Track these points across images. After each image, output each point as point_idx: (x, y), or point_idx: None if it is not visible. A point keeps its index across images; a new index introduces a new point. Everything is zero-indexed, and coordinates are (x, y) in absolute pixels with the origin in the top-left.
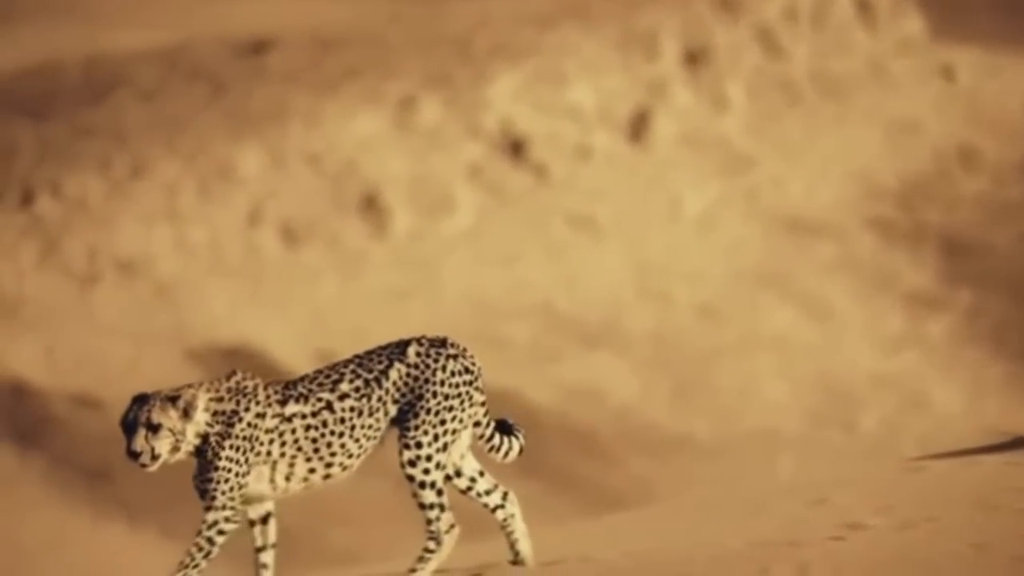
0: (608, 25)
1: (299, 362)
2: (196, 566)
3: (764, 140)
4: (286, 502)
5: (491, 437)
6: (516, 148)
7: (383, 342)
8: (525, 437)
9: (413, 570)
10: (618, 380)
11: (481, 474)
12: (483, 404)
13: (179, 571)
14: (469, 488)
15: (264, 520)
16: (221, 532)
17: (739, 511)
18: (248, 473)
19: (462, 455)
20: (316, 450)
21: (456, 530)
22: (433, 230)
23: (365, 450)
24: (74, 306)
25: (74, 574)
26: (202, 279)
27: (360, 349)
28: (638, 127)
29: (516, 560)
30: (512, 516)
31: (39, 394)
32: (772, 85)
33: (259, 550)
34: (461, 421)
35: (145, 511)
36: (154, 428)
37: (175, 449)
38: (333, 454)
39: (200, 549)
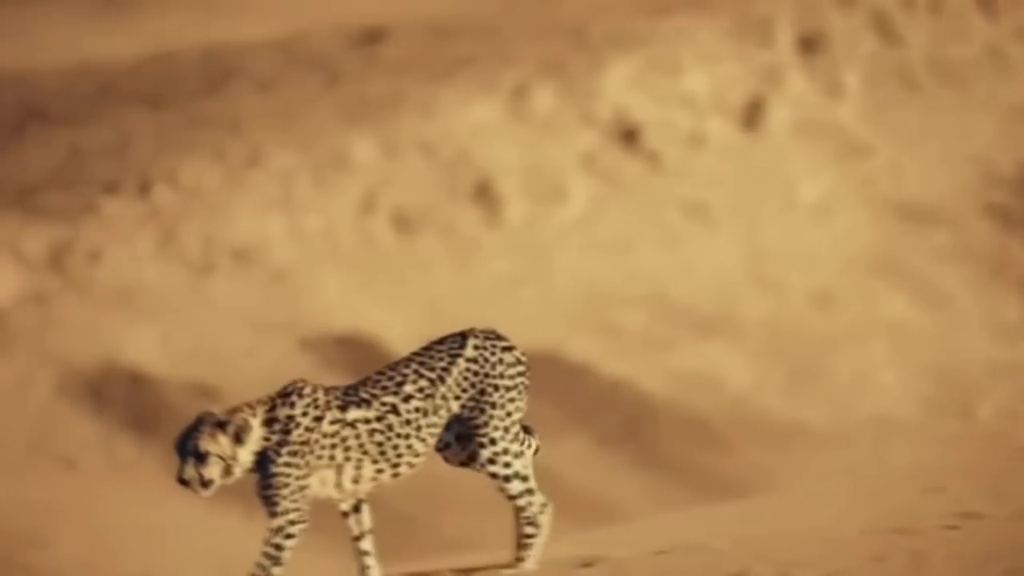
0: (723, 12)
1: (413, 349)
2: (267, 574)
3: (880, 127)
4: (398, 489)
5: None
6: (629, 136)
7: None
8: (540, 438)
9: (520, 559)
10: (732, 368)
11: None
12: None
13: None
14: (351, 510)
15: (356, 509)
16: (288, 536)
17: (853, 499)
18: (308, 476)
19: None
20: (383, 453)
21: (550, 508)
22: (546, 218)
23: (430, 447)
24: (190, 295)
25: (193, 560)
26: (316, 267)
27: None
28: (752, 114)
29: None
30: (539, 528)
31: (156, 382)
32: (888, 72)
33: (356, 539)
34: (520, 410)
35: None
36: (201, 456)
37: (228, 473)
38: (400, 455)
39: (269, 557)
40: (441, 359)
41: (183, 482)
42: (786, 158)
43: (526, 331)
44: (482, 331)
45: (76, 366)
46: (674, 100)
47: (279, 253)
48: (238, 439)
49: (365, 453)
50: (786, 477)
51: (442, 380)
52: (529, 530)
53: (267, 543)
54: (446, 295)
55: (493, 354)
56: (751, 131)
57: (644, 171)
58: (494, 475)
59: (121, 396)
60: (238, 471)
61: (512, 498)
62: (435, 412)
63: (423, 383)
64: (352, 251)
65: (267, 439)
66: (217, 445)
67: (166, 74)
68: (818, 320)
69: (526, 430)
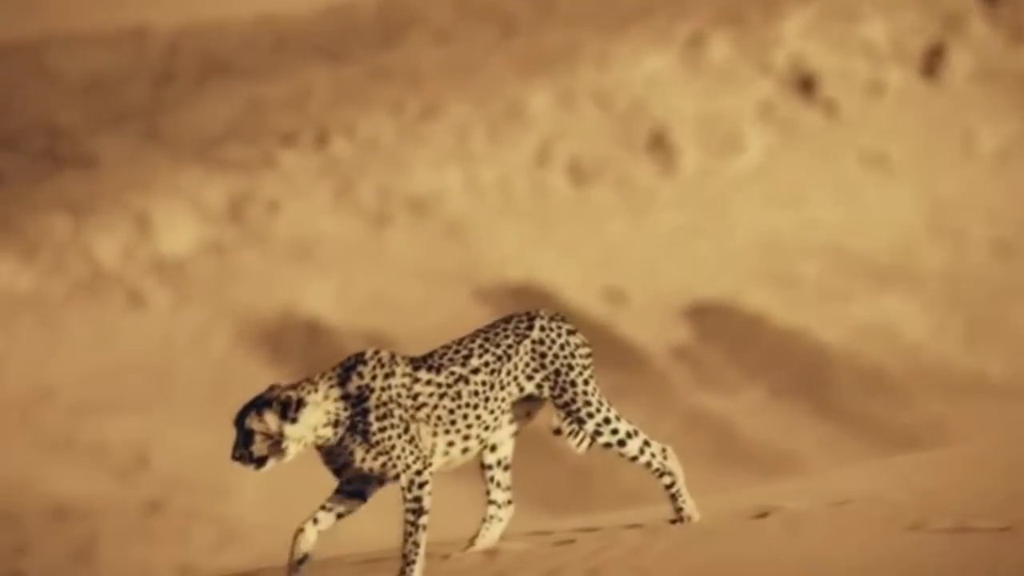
0: None
1: (587, 300)
2: (417, 527)
3: None
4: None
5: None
6: (806, 85)
7: (668, 282)
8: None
9: (679, 510)
10: (910, 319)
11: (506, 468)
12: None
13: (405, 543)
14: (489, 468)
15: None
16: (421, 485)
17: None
18: (407, 425)
19: (509, 436)
20: (453, 422)
21: (670, 450)
22: (721, 169)
23: (499, 423)
24: (366, 246)
25: (371, 510)
26: (491, 219)
27: (649, 288)
28: (932, 62)
29: (465, 546)
30: (499, 521)
31: (332, 332)
32: None
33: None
34: (592, 385)
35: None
36: (247, 434)
37: (280, 450)
38: (469, 426)
39: (414, 512)
40: (507, 337)
41: (235, 459)
42: (966, 106)
43: (701, 283)
44: (548, 313)
45: (254, 316)
46: (852, 48)
47: (454, 205)
48: (285, 416)
49: (439, 419)
50: (963, 429)
51: (508, 358)
52: (667, 480)
53: (406, 501)
54: (620, 246)
55: (560, 336)
56: (931, 79)
57: (821, 120)
58: (607, 444)
59: (298, 346)
60: (292, 447)
61: (634, 459)
62: (502, 388)
63: (489, 358)
64: (527, 202)
65: (345, 412)
66: (262, 423)
67: (344, 26)
68: (997, 270)
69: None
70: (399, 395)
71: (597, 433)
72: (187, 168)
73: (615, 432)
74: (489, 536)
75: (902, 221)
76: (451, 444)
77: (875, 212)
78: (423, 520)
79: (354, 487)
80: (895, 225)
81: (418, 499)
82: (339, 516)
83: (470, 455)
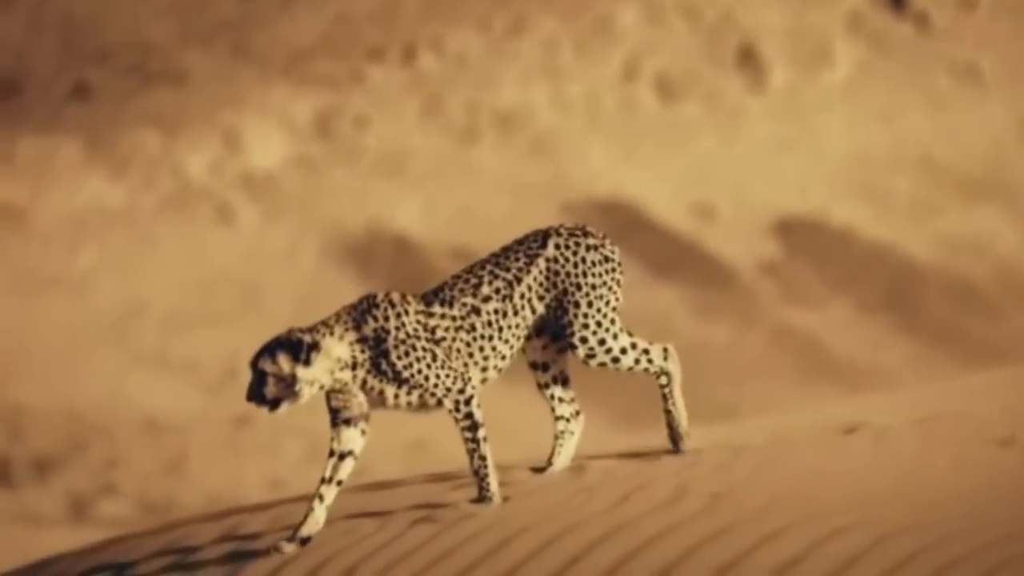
0: None
1: (674, 216)
2: (477, 443)
3: None
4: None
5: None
6: None
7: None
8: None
9: (668, 411)
10: (1001, 232)
11: (565, 382)
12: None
13: (472, 461)
14: (546, 385)
15: (342, 457)
16: (468, 402)
17: None
18: (435, 355)
19: (557, 352)
20: (470, 355)
21: (671, 349)
22: (812, 83)
23: (515, 350)
24: (454, 161)
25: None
26: (579, 134)
27: (737, 203)
28: None
29: (542, 468)
30: (571, 434)
31: (420, 247)
32: None
33: (323, 481)
34: (614, 304)
35: (520, 365)
36: (260, 376)
37: (294, 393)
38: (486, 358)
39: (469, 429)
40: (518, 259)
41: (249, 400)
42: None
43: (789, 197)
44: (568, 228)
45: (342, 232)
46: None
47: (542, 120)
48: (297, 358)
49: (457, 352)
50: None
51: (519, 280)
52: (662, 380)
53: (458, 423)
54: (709, 162)
55: (576, 252)
56: None
57: (912, 33)
58: (602, 364)
59: (385, 261)
60: (306, 390)
61: (630, 370)
62: (516, 313)
63: (499, 284)
64: (615, 117)
65: (363, 355)
66: (275, 366)
67: None
68: None
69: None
70: (415, 331)
71: (590, 356)
72: (276, 83)
73: (608, 351)
74: (565, 452)
75: (993, 134)
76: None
77: (966, 125)
78: (481, 433)
79: (343, 447)
80: (986, 138)
81: (469, 415)
82: (339, 484)
83: (489, 383)
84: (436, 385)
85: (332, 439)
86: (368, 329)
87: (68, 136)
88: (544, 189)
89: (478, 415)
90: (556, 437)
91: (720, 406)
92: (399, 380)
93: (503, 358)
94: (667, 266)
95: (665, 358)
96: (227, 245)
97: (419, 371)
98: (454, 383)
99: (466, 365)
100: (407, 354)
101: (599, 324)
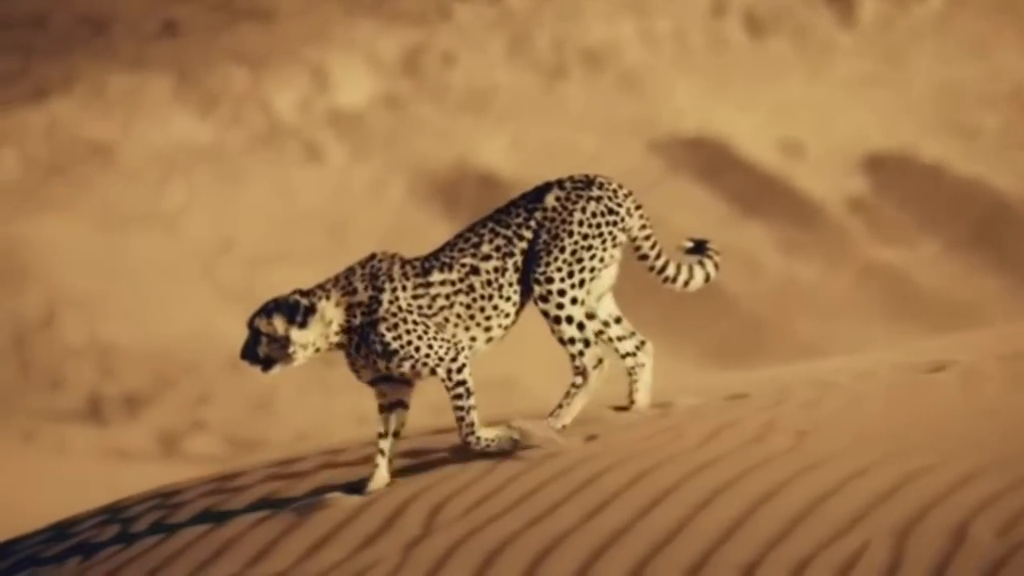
0: None
1: (762, 153)
2: (467, 411)
3: None
4: (749, 293)
5: (662, 268)
6: None
7: (847, 135)
8: (718, 264)
9: (560, 406)
10: None
11: (618, 320)
12: (647, 238)
13: (461, 425)
14: (601, 332)
15: (391, 408)
16: (459, 370)
17: None
18: (426, 327)
19: (598, 297)
20: (471, 316)
21: (605, 364)
22: (902, 17)
23: (522, 305)
24: (541, 98)
25: (545, 365)
26: (667, 70)
27: (825, 140)
28: None
29: (628, 407)
30: (642, 366)
31: (506, 185)
32: None
33: (380, 436)
34: (602, 260)
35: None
36: (255, 335)
37: (288, 355)
38: (488, 318)
39: (459, 397)
40: (518, 215)
41: (242, 359)
42: None
43: (878, 133)
44: (573, 181)
45: (428, 168)
46: None
47: (630, 56)
48: (292, 320)
49: (459, 317)
50: None
51: (519, 236)
52: (577, 380)
53: (449, 391)
54: (797, 98)
55: (576, 203)
56: None
57: None
58: (545, 313)
59: (471, 198)
60: (300, 353)
61: (563, 343)
62: (517, 270)
63: (499, 241)
64: (703, 54)
65: (356, 320)
66: (270, 326)
67: None
68: None
69: (701, 250)
70: (408, 306)
71: (543, 298)
72: (362, 21)
73: (560, 307)
74: (643, 386)
75: None
76: (473, 339)
77: None
78: (471, 401)
79: (389, 399)
80: None
81: (462, 383)
82: (396, 435)
83: (496, 342)
84: (428, 355)
85: (376, 394)
86: (364, 295)
87: (156, 73)
88: (631, 126)
89: (470, 383)
90: (629, 374)
91: (807, 344)
92: (388, 352)
93: (506, 315)
94: (754, 203)
95: (595, 366)
96: (314, 183)
97: (408, 342)
98: (446, 352)
99: (467, 328)
100: (395, 327)
101: (571, 275)
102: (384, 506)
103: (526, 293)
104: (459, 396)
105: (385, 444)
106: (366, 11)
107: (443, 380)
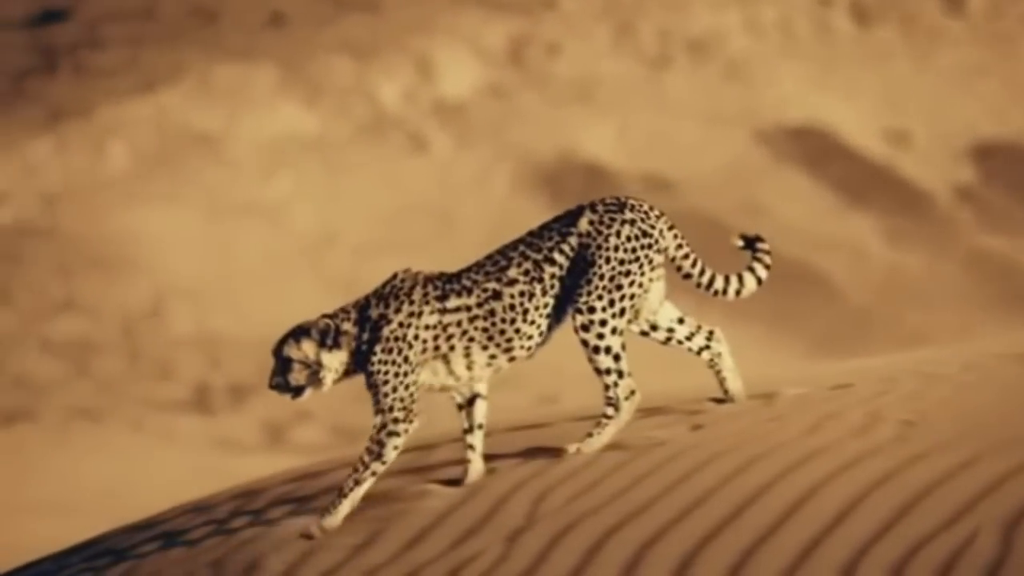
0: None
1: (869, 142)
2: (368, 469)
3: None
4: (855, 281)
5: (710, 283)
6: None
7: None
8: (769, 264)
9: (589, 434)
10: None
11: (680, 321)
12: (686, 256)
13: (350, 476)
14: (669, 339)
15: (471, 403)
16: (391, 434)
17: None
18: (411, 371)
19: (654, 311)
20: (490, 338)
21: (637, 397)
22: (1011, 5)
23: (549, 329)
24: (646, 88)
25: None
26: (772, 59)
27: (933, 128)
28: None
29: (726, 398)
30: (719, 355)
31: (612, 175)
32: None
33: (466, 432)
34: (641, 286)
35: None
36: (285, 362)
37: (318, 380)
38: (509, 340)
39: (371, 453)
40: (551, 238)
41: (272, 388)
42: None
43: (986, 122)
44: (606, 203)
45: (534, 158)
46: None
47: (735, 45)
48: (323, 344)
49: (472, 340)
50: None
51: (550, 261)
52: (609, 411)
53: (371, 440)
54: (905, 86)
55: (609, 227)
56: None
57: None
58: (585, 343)
59: (577, 188)
60: (329, 376)
61: (598, 372)
62: (544, 293)
63: (528, 265)
64: (809, 43)
65: (361, 338)
66: (300, 352)
67: None
68: None
69: (751, 245)
70: (416, 336)
71: (584, 328)
72: (467, 10)
73: (601, 337)
74: (729, 372)
75: None
76: (492, 357)
77: None
78: (377, 467)
79: (465, 395)
80: None
81: (381, 444)
82: (480, 427)
83: (519, 360)
84: (386, 395)
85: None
86: (375, 312)
87: (263, 64)
88: (736, 115)
89: (389, 455)
90: (710, 367)
91: (913, 332)
92: (369, 369)
93: (529, 338)
94: (861, 192)
95: (627, 397)
96: (419, 173)
97: (386, 373)
98: (399, 412)
99: (485, 347)
100: (389, 351)
101: (612, 303)
102: (486, 497)
103: (554, 317)
104: (372, 453)
105: (472, 439)
106: (471, 1)
107: (374, 426)
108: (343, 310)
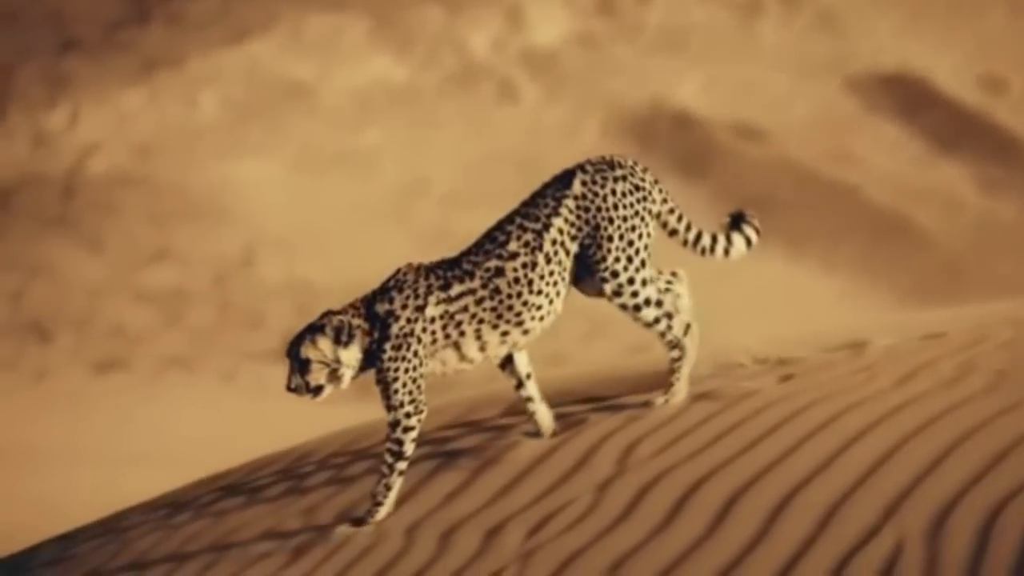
0: None
1: (962, 89)
2: (394, 471)
3: None
4: (944, 228)
5: (697, 240)
6: None
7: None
8: (758, 227)
9: (670, 384)
10: None
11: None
12: (672, 211)
13: (379, 482)
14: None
15: (508, 361)
16: (407, 429)
17: None
18: (420, 365)
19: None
20: (499, 316)
21: (695, 328)
22: None
23: (558, 294)
24: (736, 36)
25: (739, 304)
26: (865, 7)
27: None
28: None
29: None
30: (677, 296)
31: (701, 124)
32: None
33: (517, 387)
34: (649, 235)
35: (807, 241)
36: (303, 363)
37: (336, 377)
38: (519, 314)
39: (392, 453)
40: (546, 205)
41: (292, 390)
42: None
43: None
44: (593, 162)
45: (623, 108)
46: None
47: None
48: (338, 341)
49: (482, 322)
50: None
51: (547, 228)
52: (675, 354)
53: (387, 439)
54: (998, 33)
55: (604, 185)
56: None
57: None
58: (623, 307)
59: (666, 137)
60: (348, 373)
61: (648, 326)
62: (548, 262)
63: (528, 236)
64: None
65: (370, 335)
66: (317, 351)
67: None
68: None
69: (738, 222)
70: (424, 329)
71: (616, 294)
72: None
73: (635, 294)
74: (686, 311)
75: None
76: (505, 334)
77: None
78: (401, 465)
79: (509, 370)
80: None
81: (399, 442)
82: (528, 376)
83: (534, 335)
84: (396, 392)
85: (507, 377)
86: (381, 308)
87: (354, 14)
88: (827, 64)
89: (408, 448)
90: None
91: (1005, 282)
92: (379, 366)
93: (539, 308)
94: (954, 140)
95: (685, 333)
96: (508, 123)
97: (396, 370)
98: (409, 405)
99: (495, 326)
100: (398, 348)
101: (630, 260)
102: (576, 447)
103: (562, 283)
104: (392, 452)
105: (526, 391)
106: None
107: (389, 423)
108: (352, 306)
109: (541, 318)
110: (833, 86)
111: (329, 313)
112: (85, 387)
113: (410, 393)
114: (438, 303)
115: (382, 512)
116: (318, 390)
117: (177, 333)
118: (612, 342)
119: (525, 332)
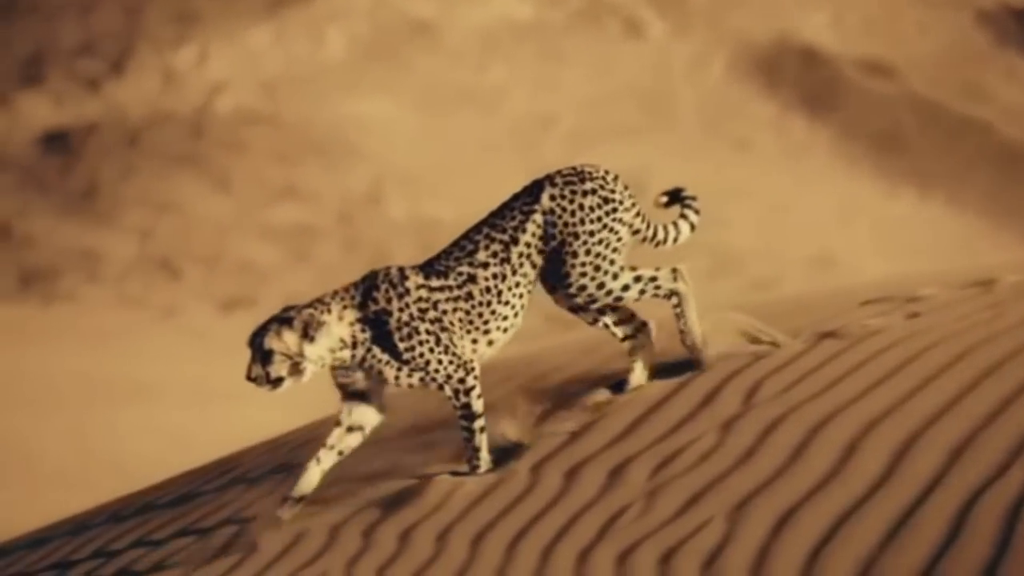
0: None
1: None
2: (476, 433)
3: None
4: None
5: (654, 235)
6: None
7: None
8: (698, 209)
9: (682, 332)
10: None
11: (614, 309)
12: (639, 216)
13: (467, 446)
14: (595, 321)
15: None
16: (467, 392)
17: None
18: (437, 333)
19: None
20: (471, 322)
21: (682, 268)
22: None
23: (522, 306)
24: None
25: (865, 240)
26: None
27: None
28: None
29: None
30: (641, 348)
31: (829, 60)
32: None
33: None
34: (619, 240)
35: (936, 179)
36: (266, 354)
37: (299, 371)
38: (487, 322)
39: (467, 418)
40: (513, 217)
41: (251, 380)
42: None
43: None
44: (564, 175)
45: (750, 44)
46: None
47: None
48: (305, 335)
49: (459, 322)
50: None
51: (515, 240)
52: (674, 300)
53: (456, 410)
54: None
55: (572, 200)
56: None
57: None
58: (606, 306)
59: (793, 73)
60: (310, 368)
61: (635, 300)
62: (514, 273)
63: (496, 247)
64: None
65: (363, 335)
66: (281, 343)
67: None
68: None
69: (679, 201)
70: (420, 311)
71: (591, 301)
72: None
73: (609, 292)
74: (639, 370)
75: None
76: (475, 342)
77: None
78: (478, 423)
79: (349, 423)
80: None
81: (467, 405)
82: (340, 454)
83: (499, 346)
84: (436, 370)
85: (341, 411)
86: (370, 311)
87: None
88: None
89: (476, 406)
90: (630, 354)
91: None
92: (401, 362)
93: (505, 319)
94: None
95: (674, 279)
96: (634, 59)
97: (420, 355)
98: (456, 371)
99: (468, 331)
100: (409, 336)
101: (597, 269)
102: (699, 386)
103: (526, 296)
104: (465, 417)
105: (325, 454)
106: None
107: (449, 397)
108: (319, 301)
109: (505, 329)
110: (964, 19)
111: (289, 307)
112: (212, 325)
113: (447, 362)
114: (419, 289)
115: (484, 459)
116: (278, 382)
117: (303, 270)
118: (736, 278)
119: (490, 343)
